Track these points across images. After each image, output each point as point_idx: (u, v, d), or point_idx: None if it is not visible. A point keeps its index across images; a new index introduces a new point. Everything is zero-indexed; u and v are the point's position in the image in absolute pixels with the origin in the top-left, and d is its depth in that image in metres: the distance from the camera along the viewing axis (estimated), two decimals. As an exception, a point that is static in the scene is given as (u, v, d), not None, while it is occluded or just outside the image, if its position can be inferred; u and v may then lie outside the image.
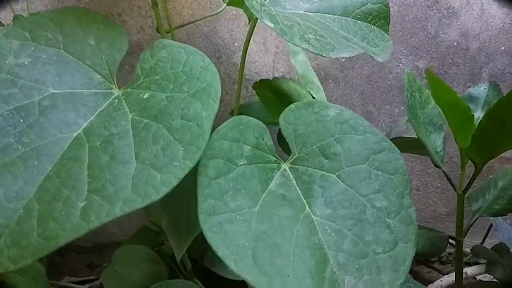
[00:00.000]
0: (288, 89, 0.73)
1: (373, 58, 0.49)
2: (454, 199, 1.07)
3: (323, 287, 0.33)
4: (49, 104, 0.36)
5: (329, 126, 0.42)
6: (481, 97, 0.67)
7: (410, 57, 1.01)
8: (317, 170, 0.41)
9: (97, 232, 1.04)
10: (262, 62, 0.98)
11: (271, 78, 0.74)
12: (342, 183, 0.40)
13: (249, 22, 0.80)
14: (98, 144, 0.34)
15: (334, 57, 0.45)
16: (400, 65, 1.01)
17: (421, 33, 1.00)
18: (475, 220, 0.66)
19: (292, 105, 0.43)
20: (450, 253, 1.06)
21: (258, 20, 1.02)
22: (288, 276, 0.33)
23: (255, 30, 0.98)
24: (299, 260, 0.34)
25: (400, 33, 0.99)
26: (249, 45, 0.99)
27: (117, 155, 0.34)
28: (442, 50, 1.00)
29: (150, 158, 0.34)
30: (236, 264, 0.33)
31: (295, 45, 0.43)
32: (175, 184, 0.33)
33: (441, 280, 0.80)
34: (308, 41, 0.44)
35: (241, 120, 0.41)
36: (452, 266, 1.02)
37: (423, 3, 0.97)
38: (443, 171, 0.64)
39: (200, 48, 0.42)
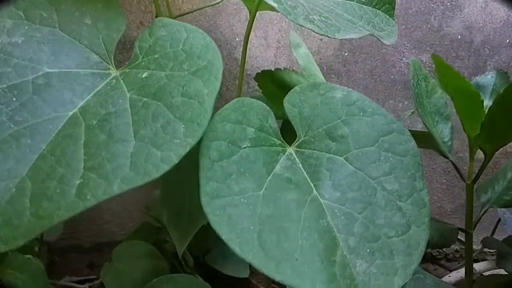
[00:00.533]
0: (290, 81, 0.71)
1: (380, 40, 0.48)
2: (460, 195, 1.05)
3: (334, 271, 0.31)
4: (44, 83, 0.34)
5: (336, 108, 0.41)
6: (489, 85, 0.65)
7: (413, 50, 0.99)
8: (324, 153, 0.39)
9: (97, 232, 1.02)
10: (264, 57, 0.97)
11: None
12: (350, 165, 0.38)
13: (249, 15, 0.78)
14: (94, 122, 0.33)
15: (340, 38, 0.43)
16: (404, 59, 0.99)
17: (425, 26, 0.98)
18: (484, 212, 0.64)
19: (297, 87, 0.42)
20: (456, 250, 1.04)
21: (258, 14, 1.00)
22: (297, 260, 0.31)
23: (256, 24, 0.97)
24: (307, 243, 0.32)
25: (403, 27, 0.97)
26: (251, 40, 0.98)
27: (114, 133, 0.32)
28: (446, 43, 0.99)
29: (150, 136, 0.32)
30: (241, 248, 0.31)
31: (300, 25, 0.42)
32: (176, 161, 0.31)
33: (449, 276, 0.78)
34: (313, 21, 0.43)
35: (244, 102, 0.39)
36: (459, 263, 1.00)
37: (426, -4, 0.96)
38: (451, 161, 0.63)
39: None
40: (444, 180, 1.05)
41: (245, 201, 0.34)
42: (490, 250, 1.02)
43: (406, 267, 0.33)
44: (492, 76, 0.65)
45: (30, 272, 0.56)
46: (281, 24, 0.96)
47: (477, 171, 0.61)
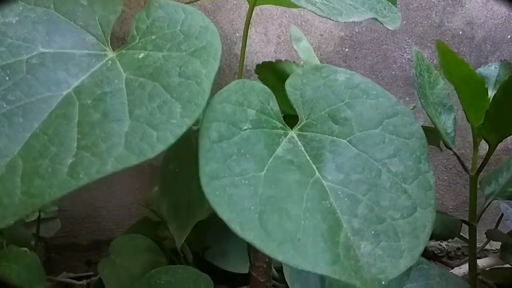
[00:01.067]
0: (291, 72, 0.70)
1: (383, 25, 0.47)
2: (462, 192, 1.04)
3: (338, 252, 0.30)
4: (38, 63, 0.33)
5: (339, 91, 0.40)
6: (492, 76, 0.64)
7: (414, 57, 0.98)
8: (327, 135, 0.38)
9: (94, 229, 1.01)
10: (264, 53, 0.96)
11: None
12: (354, 148, 0.37)
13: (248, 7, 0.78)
14: (89, 102, 0.31)
15: (343, 21, 0.43)
16: (405, 54, 0.98)
17: (426, 22, 0.97)
18: (488, 204, 0.63)
19: (298, 70, 0.41)
20: (458, 248, 1.03)
21: (259, 10, 0.99)
22: (299, 240, 0.30)
23: (256, 20, 0.96)
24: (310, 224, 0.31)
25: (404, 22, 0.96)
26: (251, 36, 0.97)
27: (109, 112, 0.31)
28: (447, 39, 0.98)
29: (145, 116, 0.31)
30: (242, 228, 0.30)
31: (302, 7, 0.41)
32: (172, 141, 0.30)
33: (451, 272, 0.76)
34: (315, 4, 0.42)
35: (244, 84, 0.38)
36: (460, 260, 0.98)
37: (427, -9, 0.95)
38: (454, 153, 0.61)
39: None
40: (445, 177, 1.04)
41: (246, 182, 0.33)
42: (493, 248, 1.01)
43: (412, 250, 0.32)
44: (496, 67, 0.64)
45: (26, 264, 0.55)
46: (281, 20, 0.95)
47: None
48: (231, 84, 0.38)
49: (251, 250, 0.61)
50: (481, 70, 0.67)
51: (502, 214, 0.77)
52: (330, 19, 0.43)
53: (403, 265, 0.31)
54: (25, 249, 0.59)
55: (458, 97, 0.59)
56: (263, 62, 0.70)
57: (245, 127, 0.36)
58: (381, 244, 0.32)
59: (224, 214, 0.31)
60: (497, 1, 0.96)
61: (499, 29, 0.99)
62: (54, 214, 0.90)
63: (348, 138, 0.37)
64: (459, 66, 0.51)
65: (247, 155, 0.35)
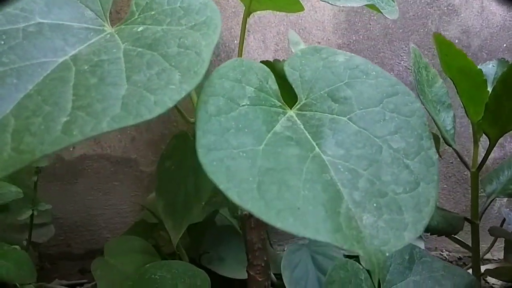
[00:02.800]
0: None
1: (383, 14, 0.47)
2: (461, 201, 1.03)
3: (339, 221, 0.29)
4: (35, 31, 0.33)
5: (338, 72, 0.39)
6: (490, 74, 0.64)
7: (411, 54, 0.99)
8: (327, 114, 0.37)
9: (89, 238, 0.99)
10: (262, 59, 0.96)
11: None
12: (354, 125, 0.36)
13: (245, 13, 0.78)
14: (86, 67, 0.31)
15: (342, 5, 0.43)
16: (402, 62, 0.99)
17: (422, 30, 0.98)
18: (490, 202, 0.62)
19: (297, 51, 0.41)
20: (459, 258, 1.01)
21: (257, 17, 1.00)
22: (299, 209, 0.29)
23: (254, 28, 0.97)
24: (310, 194, 0.30)
25: (401, 30, 0.97)
26: (249, 43, 0.98)
27: (106, 77, 0.30)
28: (443, 47, 0.99)
29: (143, 81, 0.30)
30: (240, 197, 0.29)
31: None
32: (171, 106, 0.29)
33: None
34: (313, -12, 0.42)
35: (243, 62, 0.38)
36: (461, 267, 0.96)
37: (423, 0, 0.97)
38: (454, 149, 0.61)
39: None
40: (445, 186, 1.03)
41: (244, 154, 0.32)
42: (495, 258, 0.99)
43: (416, 223, 0.31)
44: (493, 66, 0.65)
45: (15, 260, 0.53)
46: (279, 28, 0.96)
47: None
48: (228, 61, 0.38)
49: (248, 249, 0.59)
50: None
51: (504, 219, 0.76)
52: (329, 3, 0.43)
53: (407, 238, 0.30)
54: (16, 246, 0.57)
55: (457, 92, 0.58)
56: (261, 62, 0.70)
57: (244, 103, 0.36)
58: (383, 216, 0.31)
59: (222, 183, 0.30)
60: (497, 1, 0.97)
61: (494, 38, 1.00)
62: (49, 220, 0.88)
63: (348, 116, 0.37)
64: (457, 57, 0.51)
65: (245, 130, 0.34)
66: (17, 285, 0.59)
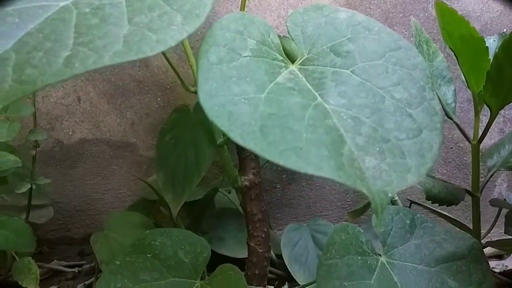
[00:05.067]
0: (290, 49, 0.70)
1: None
2: (461, 186, 1.03)
3: (342, 161, 0.29)
4: (35, -23, 0.33)
5: (341, 28, 0.39)
6: (491, 49, 0.64)
7: (411, 38, 0.99)
8: (329, 67, 0.37)
9: (89, 222, 0.98)
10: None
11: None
12: (356, 77, 0.36)
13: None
14: (87, 10, 0.31)
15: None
16: (402, 46, 0.99)
17: (422, 15, 0.98)
18: (491, 175, 0.62)
19: (299, 8, 0.40)
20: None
21: (257, 1, 1.00)
22: (302, 148, 0.29)
23: (254, 11, 0.97)
24: (313, 136, 0.30)
25: (401, 15, 0.97)
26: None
27: (107, 18, 0.30)
28: (444, 31, 0.99)
29: (145, 22, 0.30)
30: (243, 137, 0.29)
31: None
32: (172, 44, 0.29)
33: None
34: None
35: (244, 15, 0.38)
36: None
37: (423, -15, 0.97)
38: (455, 122, 0.61)
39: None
40: (444, 171, 1.03)
41: (246, 101, 0.32)
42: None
43: (419, 167, 0.31)
44: (494, 40, 0.64)
45: (14, 229, 0.53)
46: (280, 11, 0.96)
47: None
48: (229, 14, 0.37)
49: (249, 220, 0.59)
50: (480, 44, 0.67)
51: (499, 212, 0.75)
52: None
53: (410, 180, 0.30)
54: (15, 216, 0.57)
55: (458, 63, 0.58)
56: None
57: (245, 54, 0.35)
58: (386, 160, 0.31)
59: (224, 126, 0.30)
60: (497, 1, 0.97)
61: (494, 23, 0.99)
62: (48, 201, 0.88)
63: (351, 69, 0.37)
64: (459, 25, 0.51)
65: (247, 79, 0.34)
66: (15, 256, 0.59)
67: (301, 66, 0.38)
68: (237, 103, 0.31)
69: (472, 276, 0.43)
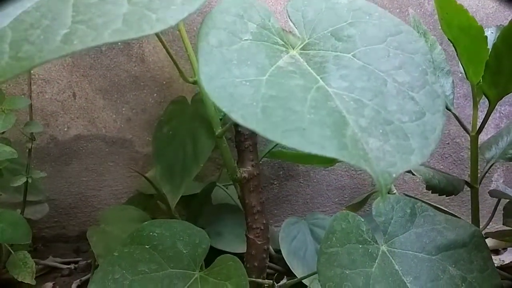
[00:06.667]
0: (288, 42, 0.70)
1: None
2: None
3: (345, 141, 0.29)
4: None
5: (342, 13, 0.39)
6: (489, 41, 0.64)
7: (411, 20, 0.99)
8: (330, 51, 0.37)
9: (84, 220, 0.97)
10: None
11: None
12: (358, 61, 0.36)
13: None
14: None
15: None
16: (399, 42, 0.99)
17: (418, 11, 0.98)
18: (490, 167, 0.62)
19: (299, -7, 0.40)
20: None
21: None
22: (304, 129, 0.28)
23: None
24: (315, 118, 0.30)
25: (397, 10, 0.97)
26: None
27: (106, -1, 0.29)
28: (439, 28, 0.99)
29: (144, 2, 0.30)
30: (245, 118, 0.28)
31: None
32: (172, 24, 0.29)
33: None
34: None
35: None
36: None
37: (419, -20, 0.97)
38: (453, 114, 0.61)
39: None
40: (441, 166, 1.03)
41: (247, 83, 0.31)
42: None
43: (423, 148, 0.30)
44: (492, 32, 0.65)
45: (10, 222, 0.52)
46: (276, 7, 0.96)
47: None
48: (228, -2, 0.37)
49: (247, 212, 0.59)
50: (478, 36, 0.67)
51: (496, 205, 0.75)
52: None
53: (414, 161, 0.29)
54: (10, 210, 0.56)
55: (457, 54, 0.58)
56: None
57: (246, 38, 0.35)
58: (390, 141, 0.30)
59: (225, 107, 0.29)
60: (497, 1, 0.97)
61: (490, 19, 1.00)
62: (43, 197, 0.87)
63: (352, 53, 0.36)
64: (458, 14, 0.51)
65: (248, 62, 0.33)
66: (11, 251, 0.58)
67: (302, 51, 0.38)
68: (238, 85, 0.31)
69: (474, 263, 0.43)
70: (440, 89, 0.34)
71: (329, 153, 0.27)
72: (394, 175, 0.28)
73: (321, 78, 0.34)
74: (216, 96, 0.30)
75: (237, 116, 0.29)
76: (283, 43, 0.38)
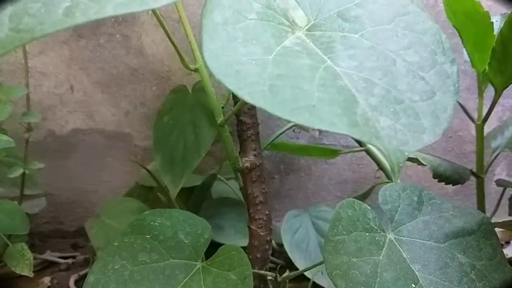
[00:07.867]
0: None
1: None
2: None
3: (356, 119, 0.28)
4: None
5: (348, -6, 0.38)
6: (495, 29, 0.63)
7: None
8: (337, 32, 0.36)
9: (82, 215, 0.96)
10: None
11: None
12: (366, 41, 0.35)
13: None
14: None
15: None
16: (400, 34, 0.98)
17: (421, 3, 0.98)
18: (496, 156, 0.61)
19: (304, -25, 0.39)
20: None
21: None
22: (314, 106, 0.27)
23: None
24: (325, 96, 0.29)
25: (398, 3, 0.97)
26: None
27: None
28: (442, 20, 0.98)
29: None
30: (252, 96, 0.28)
31: None
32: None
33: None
34: None
35: (249, -21, 0.36)
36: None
37: (421, -27, 0.96)
38: (459, 103, 0.60)
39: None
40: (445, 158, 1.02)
41: (254, 62, 0.30)
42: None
43: (434, 127, 0.30)
44: (497, 21, 0.64)
45: (7, 212, 0.51)
46: None
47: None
48: (234, -23, 0.36)
49: (250, 203, 0.58)
50: (481, 25, 0.66)
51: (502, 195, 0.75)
52: None
53: (426, 139, 0.29)
54: (8, 200, 0.55)
55: (462, 42, 0.57)
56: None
57: (251, 17, 0.34)
58: (401, 120, 0.29)
59: (232, 84, 0.28)
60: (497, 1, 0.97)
61: (493, 9, 0.99)
62: (42, 191, 0.86)
63: (360, 33, 0.36)
64: (463, 0, 0.50)
65: (254, 41, 0.32)
66: (8, 243, 0.57)
67: (308, 32, 0.37)
68: (244, 63, 0.30)
69: (482, 251, 0.42)
70: (450, 70, 0.33)
71: (340, 129, 0.26)
72: (406, 153, 0.27)
73: (328, 57, 0.33)
74: (222, 73, 0.29)
75: (243, 94, 0.28)
76: (288, 24, 0.37)
